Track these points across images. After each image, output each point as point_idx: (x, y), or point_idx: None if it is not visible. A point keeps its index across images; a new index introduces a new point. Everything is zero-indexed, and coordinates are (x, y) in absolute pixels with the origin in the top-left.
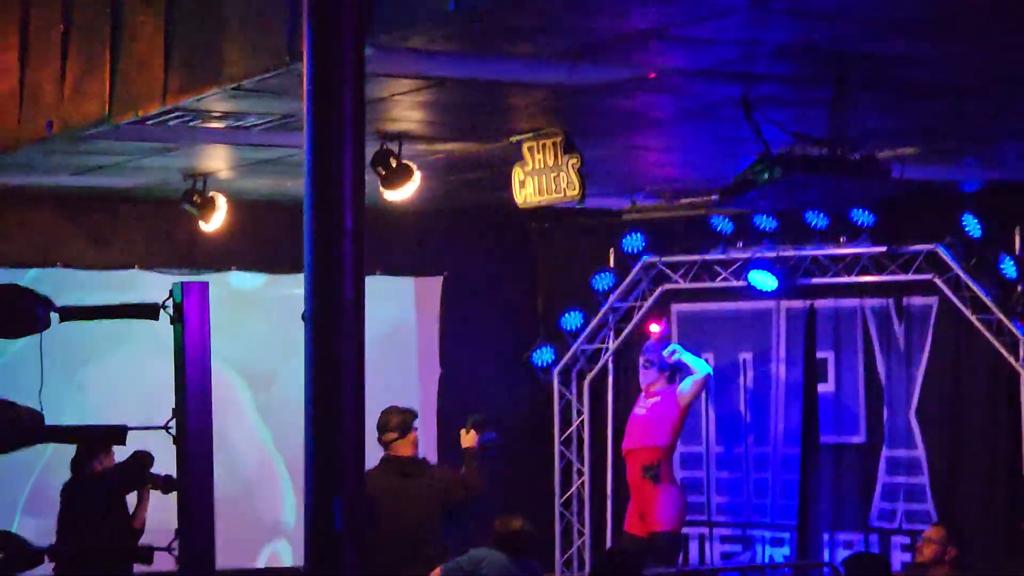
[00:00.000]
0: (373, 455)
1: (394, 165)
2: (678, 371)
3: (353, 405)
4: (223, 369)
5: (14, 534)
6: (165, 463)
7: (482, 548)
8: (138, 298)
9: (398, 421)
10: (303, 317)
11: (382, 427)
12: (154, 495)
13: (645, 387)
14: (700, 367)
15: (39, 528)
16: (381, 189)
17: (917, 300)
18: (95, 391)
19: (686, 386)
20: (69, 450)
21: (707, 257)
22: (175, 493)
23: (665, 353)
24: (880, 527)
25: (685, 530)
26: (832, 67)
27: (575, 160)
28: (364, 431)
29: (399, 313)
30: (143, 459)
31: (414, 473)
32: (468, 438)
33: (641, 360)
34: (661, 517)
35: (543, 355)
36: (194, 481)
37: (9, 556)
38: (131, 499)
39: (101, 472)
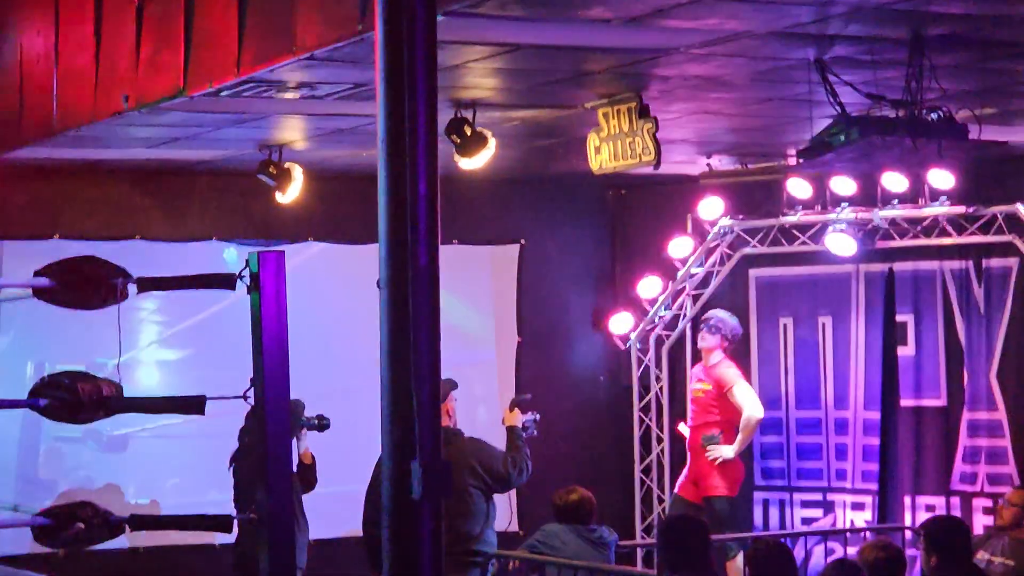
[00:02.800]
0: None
1: (469, 133)
2: (736, 344)
3: (429, 373)
4: None
5: (95, 505)
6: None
7: (552, 523)
8: (215, 269)
9: None
10: (378, 285)
11: None
12: None
13: (702, 349)
14: (754, 410)
15: None
16: (456, 157)
17: (996, 262)
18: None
19: (744, 410)
20: None
21: (784, 221)
22: None
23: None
24: (961, 490)
25: (765, 495)
26: (907, 27)
27: (650, 125)
28: (439, 399)
29: (476, 281)
30: (295, 406)
31: (444, 442)
32: (511, 417)
33: (706, 327)
34: (715, 481)
35: (621, 322)
36: (272, 450)
37: (90, 526)
38: None
39: None
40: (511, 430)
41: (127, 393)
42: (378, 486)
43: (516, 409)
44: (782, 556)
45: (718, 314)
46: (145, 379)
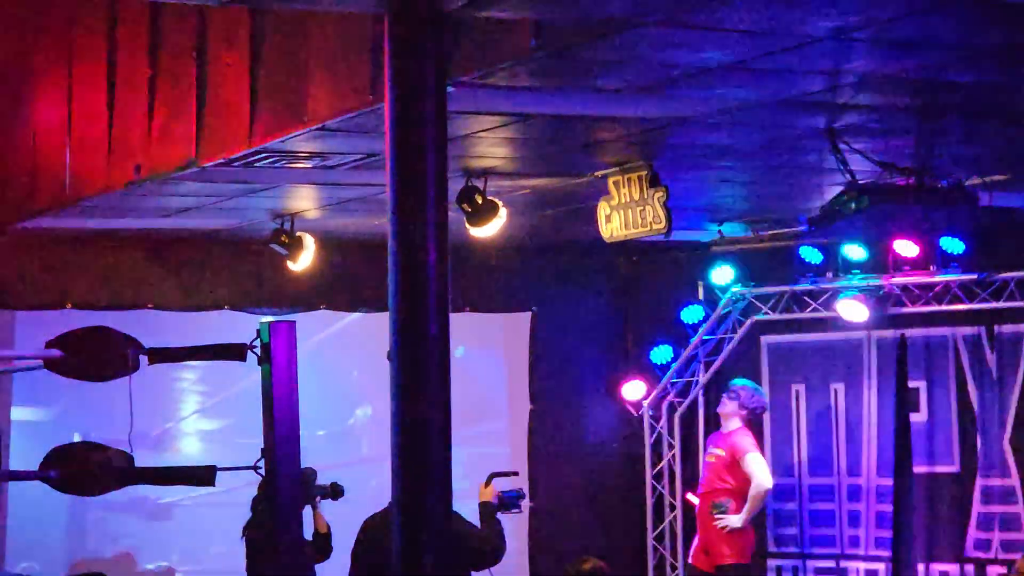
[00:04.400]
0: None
1: (480, 201)
2: (757, 416)
3: (441, 444)
4: None
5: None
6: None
7: None
8: (228, 339)
9: None
10: (388, 356)
11: None
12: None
13: (720, 413)
14: (763, 480)
15: None
16: (467, 226)
17: (1008, 328)
18: None
19: (753, 481)
20: None
21: (796, 288)
22: None
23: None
24: (976, 557)
25: (779, 562)
26: (917, 96)
27: (661, 193)
28: (451, 470)
29: (488, 350)
30: (308, 475)
31: None
32: (485, 492)
33: (727, 392)
34: (726, 550)
35: (634, 389)
36: (283, 520)
37: None
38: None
39: None
40: (484, 505)
41: (172, 462)
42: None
43: (491, 485)
44: None
45: (743, 384)
46: (187, 448)
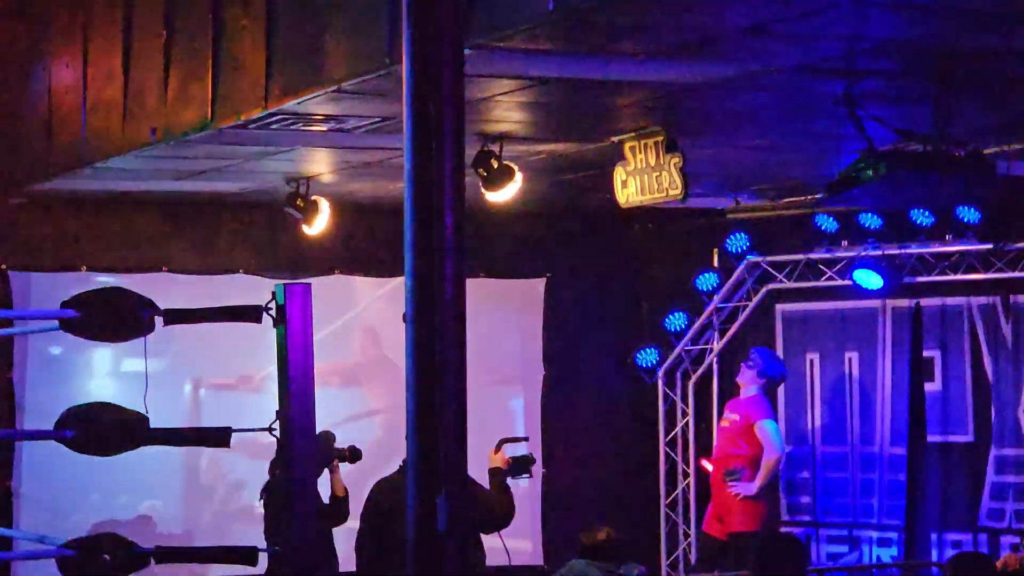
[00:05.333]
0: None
1: (495, 166)
2: (775, 384)
3: (455, 407)
4: None
5: (120, 536)
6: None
7: (579, 560)
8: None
9: None
10: (404, 319)
11: None
12: None
13: (739, 381)
14: (776, 448)
15: None
16: (483, 190)
17: None
18: None
19: (766, 449)
20: None
21: (812, 256)
22: None
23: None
24: (989, 527)
25: (792, 530)
26: (936, 62)
27: (677, 159)
28: (466, 433)
29: (502, 315)
30: (326, 438)
31: None
32: (495, 459)
33: (746, 360)
34: (739, 518)
35: (647, 356)
36: (298, 483)
37: (115, 558)
38: None
39: None
40: (494, 472)
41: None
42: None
43: (501, 451)
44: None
45: (762, 351)
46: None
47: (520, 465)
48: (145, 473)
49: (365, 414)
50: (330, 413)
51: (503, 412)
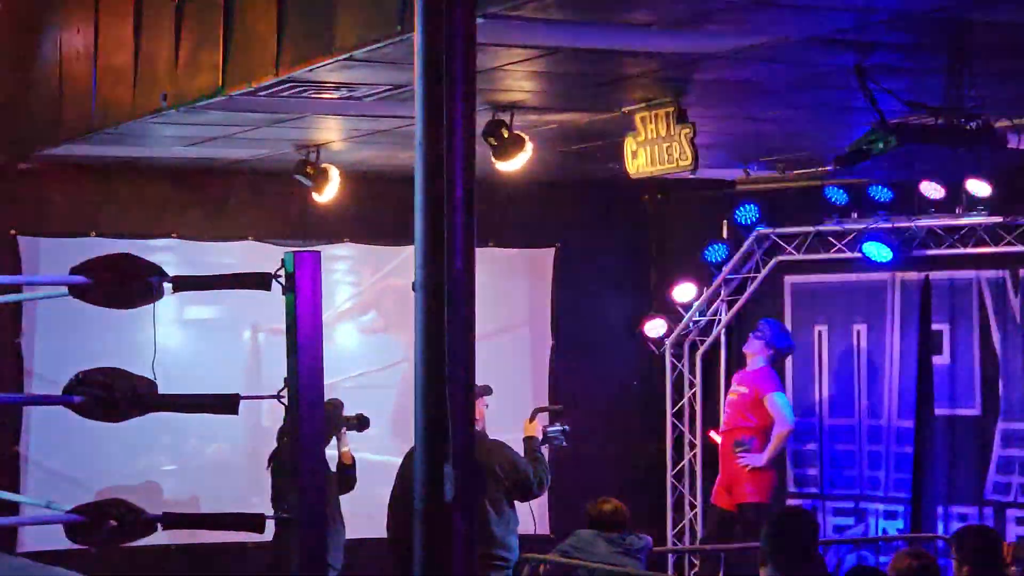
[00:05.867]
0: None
1: (506, 135)
2: (782, 356)
3: (464, 376)
4: None
5: (127, 502)
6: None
7: (586, 530)
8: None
9: None
10: (413, 288)
11: None
12: None
13: (746, 352)
14: (786, 420)
15: None
16: (493, 160)
17: None
18: None
19: (776, 421)
20: None
21: (821, 228)
22: None
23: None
24: (995, 500)
25: (798, 502)
26: (948, 34)
27: (688, 130)
28: (474, 404)
29: (511, 284)
30: (334, 406)
31: None
32: (530, 427)
33: (754, 331)
34: (748, 489)
35: (656, 327)
36: (306, 452)
37: (122, 524)
38: None
39: None
40: (528, 440)
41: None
42: (402, 497)
43: (536, 420)
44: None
45: (770, 322)
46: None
47: (554, 435)
48: (156, 438)
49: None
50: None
51: (511, 381)
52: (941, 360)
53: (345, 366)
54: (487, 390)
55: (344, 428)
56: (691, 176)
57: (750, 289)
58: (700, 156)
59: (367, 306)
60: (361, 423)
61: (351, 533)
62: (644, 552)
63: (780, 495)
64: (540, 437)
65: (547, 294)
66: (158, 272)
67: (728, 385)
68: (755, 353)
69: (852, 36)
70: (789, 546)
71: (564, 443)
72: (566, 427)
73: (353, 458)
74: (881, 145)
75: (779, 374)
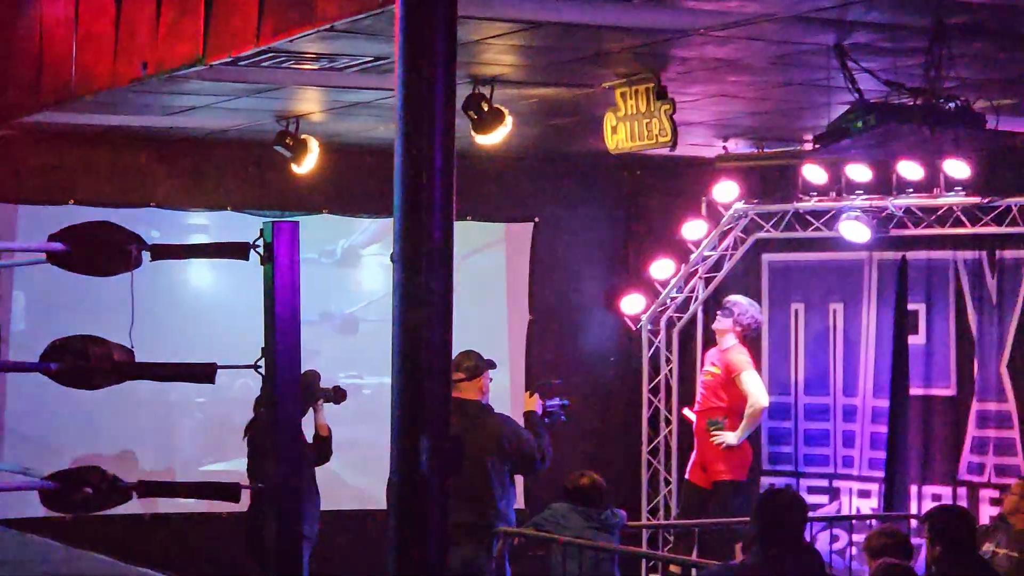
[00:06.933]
0: None
1: (486, 109)
2: (751, 333)
3: (441, 349)
4: None
5: (103, 470)
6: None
7: (559, 502)
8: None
9: (469, 364)
10: (391, 259)
11: (454, 367)
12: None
13: (715, 329)
14: (759, 398)
15: None
16: (472, 133)
17: (1010, 253)
18: None
19: (749, 400)
20: None
21: (799, 207)
22: None
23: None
24: (969, 480)
25: (773, 480)
26: (928, 15)
27: (667, 107)
28: (450, 376)
29: (489, 258)
30: (311, 377)
31: (473, 415)
32: (530, 402)
33: (722, 309)
34: (723, 467)
35: (633, 303)
36: (282, 422)
37: (98, 491)
38: None
39: None
40: (529, 415)
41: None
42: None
43: (536, 395)
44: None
45: (738, 299)
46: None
47: (554, 409)
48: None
49: None
50: None
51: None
52: (917, 340)
53: None
54: (491, 364)
55: (321, 399)
56: (670, 152)
57: (727, 266)
58: (679, 133)
59: None
60: (338, 395)
61: (326, 505)
62: (618, 527)
63: (753, 472)
64: (540, 412)
65: (525, 268)
66: (137, 240)
67: (704, 362)
68: (724, 331)
69: (832, 15)
70: (780, 522)
71: (563, 418)
72: (566, 402)
73: (329, 429)
74: (860, 124)
75: (751, 351)
